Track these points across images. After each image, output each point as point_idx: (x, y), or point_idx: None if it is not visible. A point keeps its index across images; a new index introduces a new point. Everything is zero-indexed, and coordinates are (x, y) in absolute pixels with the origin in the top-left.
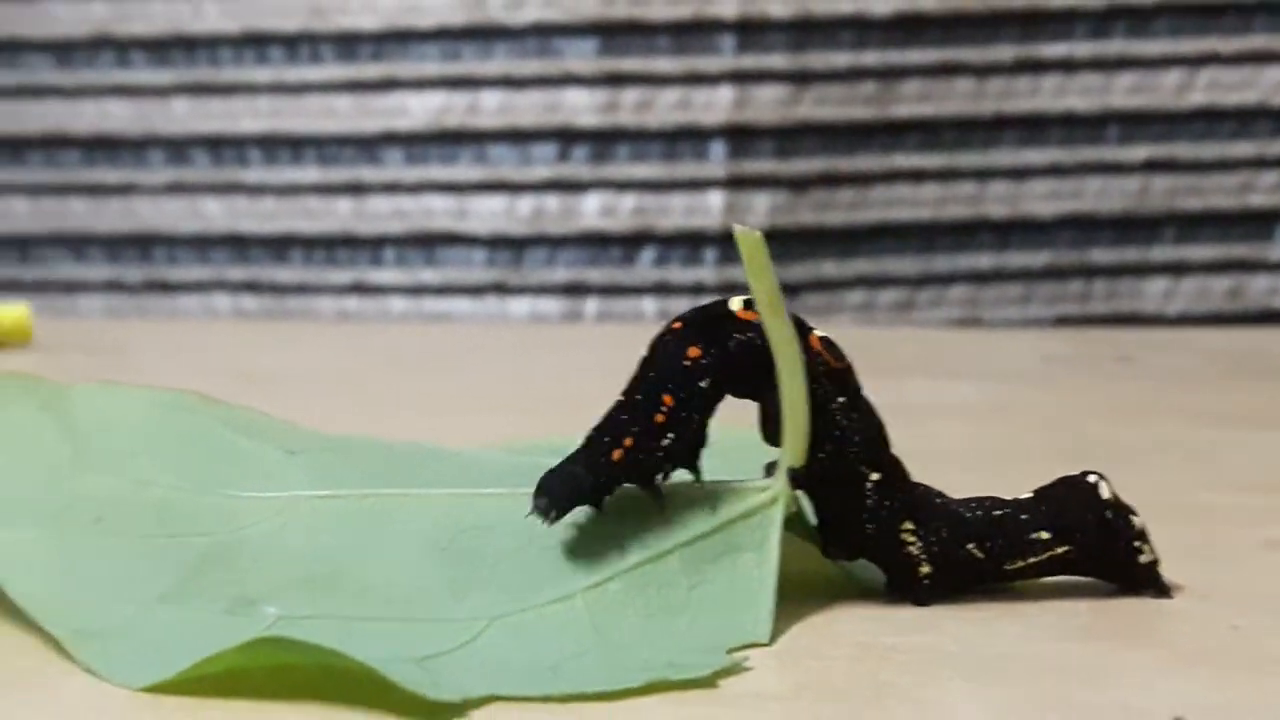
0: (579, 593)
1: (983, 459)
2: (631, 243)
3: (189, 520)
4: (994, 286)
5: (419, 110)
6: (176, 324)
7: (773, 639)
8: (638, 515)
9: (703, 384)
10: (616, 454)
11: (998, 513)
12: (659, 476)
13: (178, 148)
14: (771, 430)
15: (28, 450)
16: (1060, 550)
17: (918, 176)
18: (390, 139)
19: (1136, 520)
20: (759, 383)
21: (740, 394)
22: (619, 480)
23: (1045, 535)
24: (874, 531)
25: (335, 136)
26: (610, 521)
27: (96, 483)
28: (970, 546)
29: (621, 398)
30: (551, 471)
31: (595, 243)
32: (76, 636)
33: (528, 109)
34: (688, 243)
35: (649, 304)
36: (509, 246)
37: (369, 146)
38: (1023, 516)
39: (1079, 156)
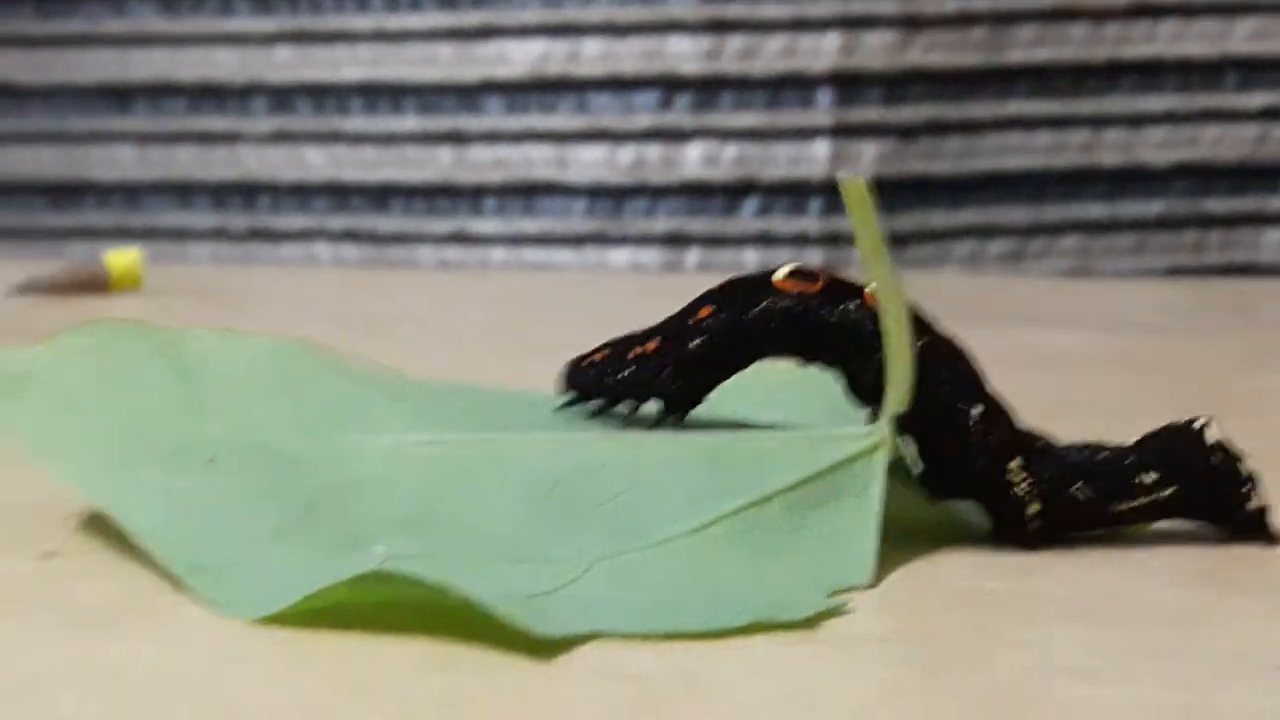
0: (682, 536)
1: (1101, 409)
2: (734, 193)
3: (299, 463)
4: (1106, 237)
5: (520, 58)
6: (281, 271)
7: (875, 583)
8: (741, 461)
9: (694, 344)
10: (585, 364)
11: (1104, 455)
12: (621, 404)
13: (280, 96)
14: (855, 389)
15: (143, 393)
16: (1167, 493)
17: (1029, 124)
18: (491, 87)
19: (1245, 465)
20: (803, 347)
21: (794, 355)
22: (585, 387)
23: (1153, 477)
24: (981, 467)
25: (436, 85)
26: (713, 467)
27: (210, 425)
28: (1078, 487)
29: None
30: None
31: (697, 193)
32: (191, 571)
33: (630, 56)
34: (791, 193)
35: (751, 255)
36: (609, 196)
37: (469, 95)
38: (1129, 459)
39: (1195, 104)
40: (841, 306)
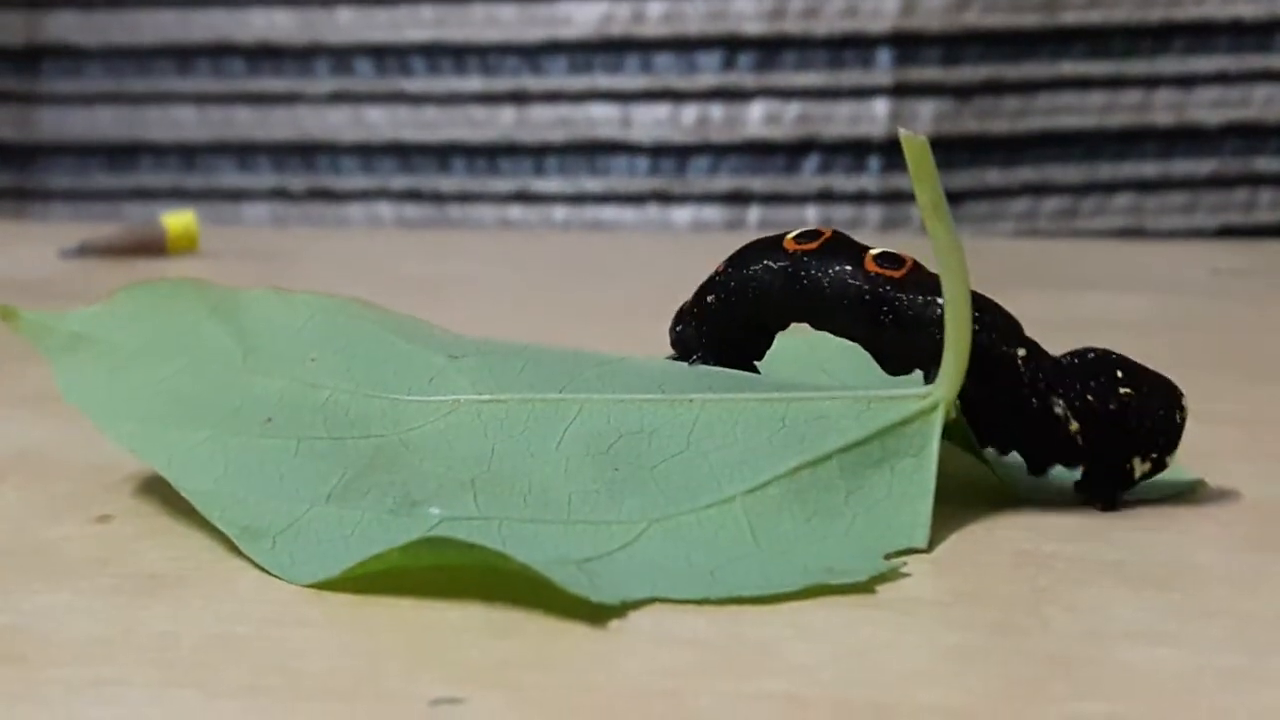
0: (738, 496)
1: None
2: (796, 151)
3: (355, 422)
4: (1158, 195)
5: (583, 19)
6: (340, 231)
7: (931, 546)
8: (797, 422)
9: (709, 298)
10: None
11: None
12: (692, 357)
13: (342, 57)
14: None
15: (199, 352)
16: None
17: (1084, 84)
18: (554, 48)
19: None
20: (796, 307)
21: (790, 316)
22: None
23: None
24: (1034, 409)
25: (498, 45)
26: (769, 429)
27: (266, 385)
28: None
29: None
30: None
31: (759, 151)
32: (246, 534)
33: (693, 17)
34: (852, 151)
35: (812, 212)
36: (672, 155)
37: (532, 55)
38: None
39: (1246, 64)
40: (836, 268)
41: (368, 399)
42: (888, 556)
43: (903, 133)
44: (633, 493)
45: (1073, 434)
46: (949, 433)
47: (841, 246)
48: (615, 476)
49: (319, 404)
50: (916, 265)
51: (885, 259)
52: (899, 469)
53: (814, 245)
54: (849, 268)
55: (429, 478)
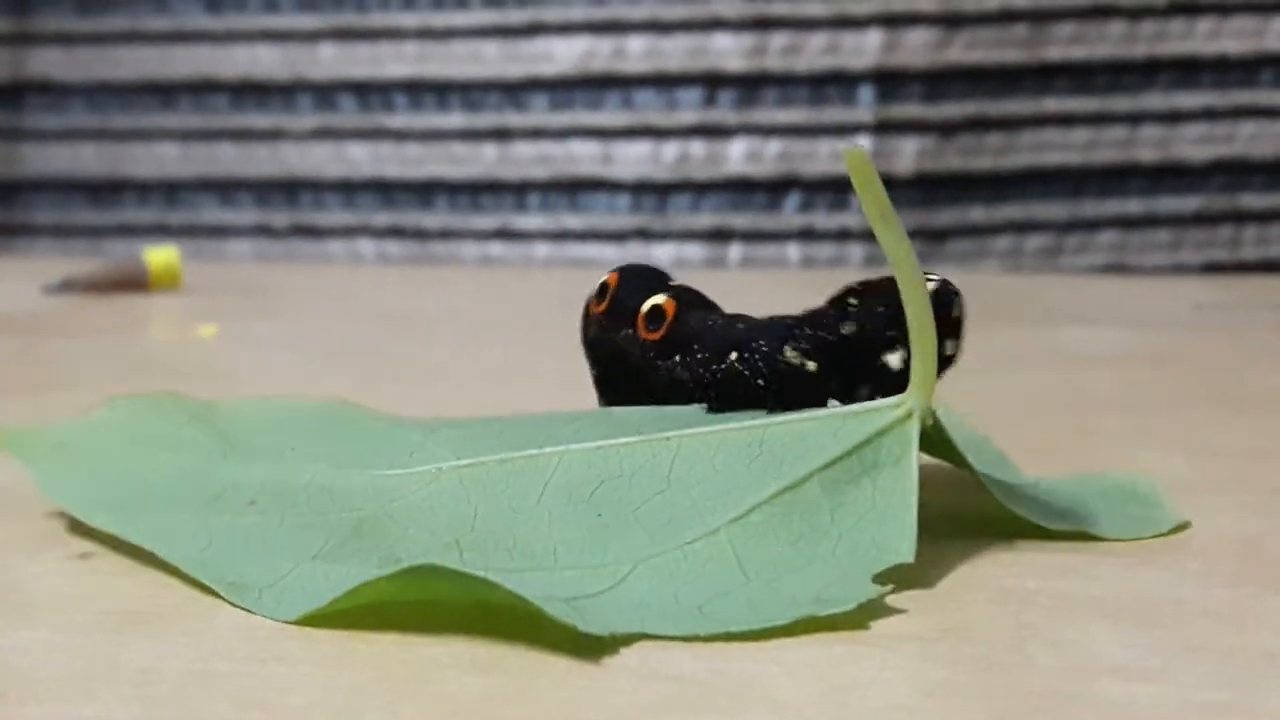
0: (722, 528)
1: (1136, 407)
2: (777, 188)
3: (339, 498)
4: (1143, 232)
5: (564, 55)
6: (323, 268)
7: (915, 583)
8: (775, 447)
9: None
10: None
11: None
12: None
13: (324, 93)
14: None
15: (181, 454)
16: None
17: (1068, 121)
18: (536, 84)
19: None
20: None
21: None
22: None
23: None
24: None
25: (481, 82)
26: (748, 456)
27: (248, 472)
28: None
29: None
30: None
31: (740, 188)
32: (233, 589)
33: (674, 53)
34: (833, 188)
35: (793, 250)
36: (653, 192)
37: (514, 92)
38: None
39: (1232, 100)
40: (623, 332)
41: (351, 477)
42: (876, 578)
43: (843, 146)
44: (617, 536)
45: (814, 374)
46: (927, 441)
47: (621, 307)
48: (599, 522)
49: (301, 485)
50: (679, 313)
51: (650, 317)
52: (880, 481)
53: (601, 308)
54: (629, 332)
55: (414, 541)
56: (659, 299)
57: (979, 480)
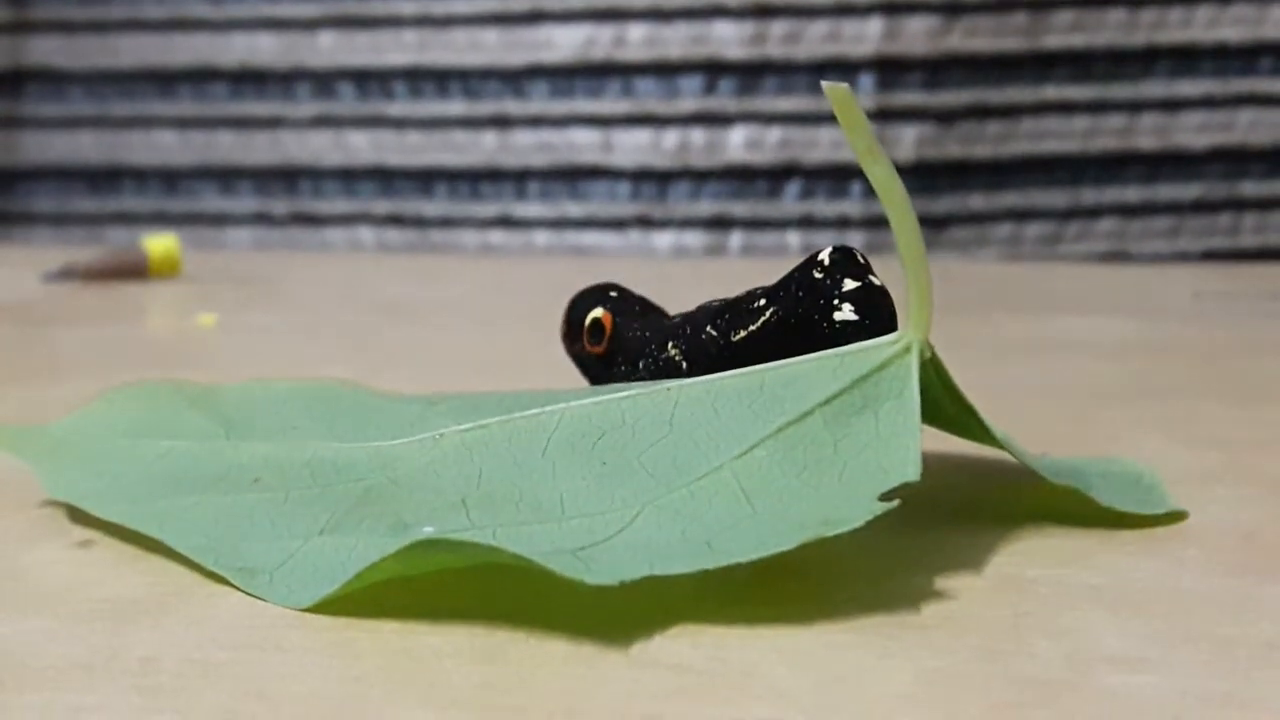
0: (726, 464)
1: (1135, 394)
2: (777, 176)
3: (344, 470)
4: (1142, 220)
5: (565, 43)
6: (322, 256)
7: (913, 571)
8: (776, 387)
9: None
10: None
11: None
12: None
13: (324, 81)
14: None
15: (182, 437)
16: (770, 313)
17: (1067, 108)
18: (536, 72)
19: (854, 282)
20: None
21: None
22: None
23: (762, 302)
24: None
25: (481, 69)
26: (750, 398)
27: (251, 451)
28: (709, 328)
29: None
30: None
31: (740, 176)
32: (243, 574)
33: (674, 41)
34: (833, 176)
35: (793, 238)
36: (654, 180)
37: (514, 80)
38: (756, 292)
39: (1231, 88)
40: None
41: (353, 449)
42: (883, 496)
43: (825, 84)
44: (623, 482)
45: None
46: (925, 379)
47: (576, 328)
48: (604, 470)
49: (305, 460)
50: (616, 329)
51: (591, 331)
52: (883, 412)
53: (563, 331)
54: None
55: (421, 504)
56: (597, 312)
57: (978, 423)
